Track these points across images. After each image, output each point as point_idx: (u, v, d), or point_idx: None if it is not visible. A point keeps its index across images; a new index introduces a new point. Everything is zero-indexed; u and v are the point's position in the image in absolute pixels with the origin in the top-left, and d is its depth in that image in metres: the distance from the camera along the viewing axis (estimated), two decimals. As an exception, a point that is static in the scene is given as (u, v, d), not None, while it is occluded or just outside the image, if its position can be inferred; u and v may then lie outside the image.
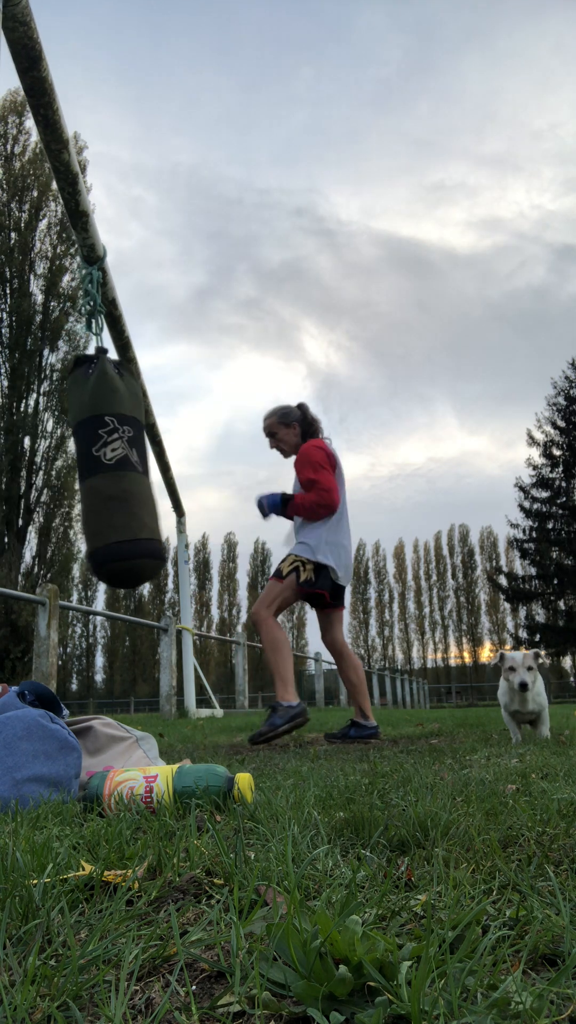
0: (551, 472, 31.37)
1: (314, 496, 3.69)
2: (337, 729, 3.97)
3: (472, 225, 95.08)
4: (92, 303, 2.77)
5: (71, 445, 25.12)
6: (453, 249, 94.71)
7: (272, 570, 3.81)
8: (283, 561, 3.76)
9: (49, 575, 24.46)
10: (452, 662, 63.61)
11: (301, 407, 4.01)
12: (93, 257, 2.82)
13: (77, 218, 2.69)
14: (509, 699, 2.96)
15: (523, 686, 2.86)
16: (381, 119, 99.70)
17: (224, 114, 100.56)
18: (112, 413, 2.45)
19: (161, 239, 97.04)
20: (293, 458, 3.92)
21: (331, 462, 3.79)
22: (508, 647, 56.13)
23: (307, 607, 4.02)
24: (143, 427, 2.57)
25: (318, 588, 3.69)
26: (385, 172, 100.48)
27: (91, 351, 2.64)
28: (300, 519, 3.81)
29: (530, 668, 2.89)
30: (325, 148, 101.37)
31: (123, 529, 2.34)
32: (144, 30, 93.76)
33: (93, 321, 2.77)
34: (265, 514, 3.82)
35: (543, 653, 2.97)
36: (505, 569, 34.49)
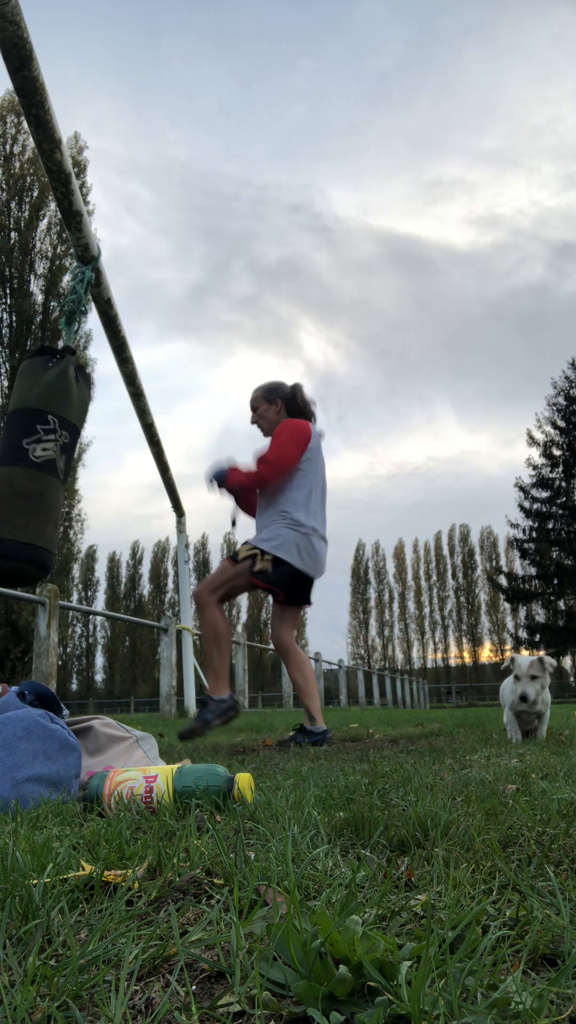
0: (551, 472, 31.39)
1: (259, 468, 3.43)
2: (312, 732, 3.53)
3: (471, 222, 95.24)
4: (76, 302, 2.78)
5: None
6: (452, 246, 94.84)
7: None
8: (242, 544, 3.50)
9: (49, 575, 24.47)
10: (452, 662, 63.69)
11: (294, 387, 3.73)
12: (87, 257, 2.83)
13: (71, 218, 2.69)
14: (515, 699, 2.93)
15: (523, 698, 2.84)
16: (379, 114, 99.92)
17: (221, 108, 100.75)
18: (57, 414, 2.45)
19: (157, 236, 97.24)
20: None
21: (303, 439, 3.50)
22: (509, 647, 56.20)
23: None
24: (78, 438, 2.58)
25: (271, 583, 3.43)
26: (383, 168, 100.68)
27: (63, 345, 2.65)
28: (264, 502, 3.56)
29: (534, 676, 2.86)
30: (323, 143, 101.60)
31: (23, 530, 2.31)
32: (140, 22, 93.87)
33: (75, 320, 2.78)
34: (214, 478, 3.55)
35: (551, 662, 2.89)
36: (505, 569, 34.51)
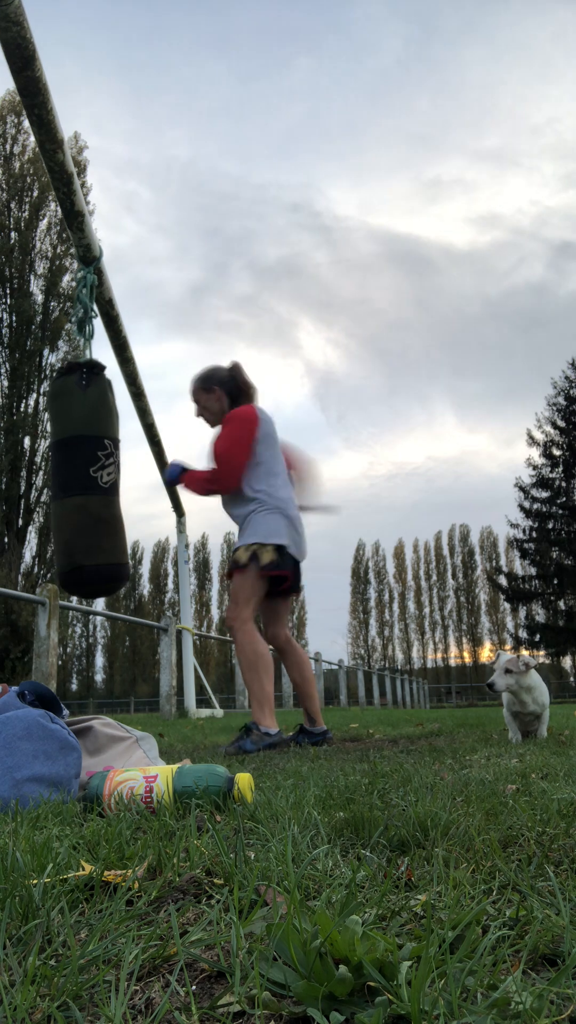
0: (551, 472, 31.40)
1: (209, 473, 3.34)
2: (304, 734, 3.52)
3: (471, 221, 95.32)
4: (84, 310, 2.77)
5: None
6: (451, 245, 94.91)
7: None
8: (236, 551, 3.35)
9: (49, 575, 24.43)
10: (452, 662, 63.69)
11: (232, 369, 3.53)
12: (89, 257, 2.82)
13: (73, 218, 2.68)
14: (511, 699, 2.96)
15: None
16: (379, 113, 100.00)
17: (220, 107, 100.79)
18: (111, 437, 2.50)
19: (156, 235, 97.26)
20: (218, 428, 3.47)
21: (251, 430, 3.35)
22: (508, 647, 56.26)
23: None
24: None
25: (283, 569, 3.30)
26: (383, 166, 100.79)
27: (86, 359, 2.65)
28: (228, 498, 3.46)
29: (508, 671, 2.89)
30: (322, 142, 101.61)
31: (109, 552, 2.47)
32: (140, 21, 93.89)
33: (86, 328, 2.78)
34: (166, 482, 3.59)
35: (532, 663, 2.90)
36: (505, 569, 34.54)
